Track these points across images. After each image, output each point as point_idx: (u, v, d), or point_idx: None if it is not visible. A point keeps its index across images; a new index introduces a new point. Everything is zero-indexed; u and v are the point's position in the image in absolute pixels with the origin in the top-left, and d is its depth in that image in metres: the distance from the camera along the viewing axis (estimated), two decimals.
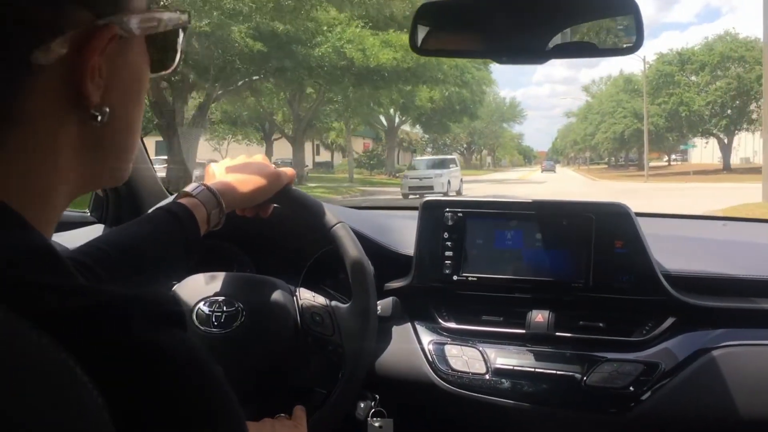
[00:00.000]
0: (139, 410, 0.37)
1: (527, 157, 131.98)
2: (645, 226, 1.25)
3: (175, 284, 1.19)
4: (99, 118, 0.47)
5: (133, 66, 0.52)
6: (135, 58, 0.52)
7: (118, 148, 0.53)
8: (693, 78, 40.44)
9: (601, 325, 1.24)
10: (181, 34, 0.58)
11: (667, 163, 61.06)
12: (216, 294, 1.12)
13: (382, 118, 37.69)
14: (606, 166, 72.50)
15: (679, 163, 63.79)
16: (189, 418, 0.40)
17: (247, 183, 1.07)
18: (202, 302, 1.11)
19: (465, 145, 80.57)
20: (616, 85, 54.15)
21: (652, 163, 53.33)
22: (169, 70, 0.60)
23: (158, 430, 0.38)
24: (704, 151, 57.92)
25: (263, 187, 1.08)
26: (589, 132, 59.34)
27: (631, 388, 1.14)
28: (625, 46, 1.00)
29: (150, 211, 0.99)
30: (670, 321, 1.22)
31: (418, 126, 41.63)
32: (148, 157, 1.51)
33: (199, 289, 1.14)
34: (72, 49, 0.44)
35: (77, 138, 0.48)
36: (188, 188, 1.02)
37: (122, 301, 0.39)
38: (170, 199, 1.05)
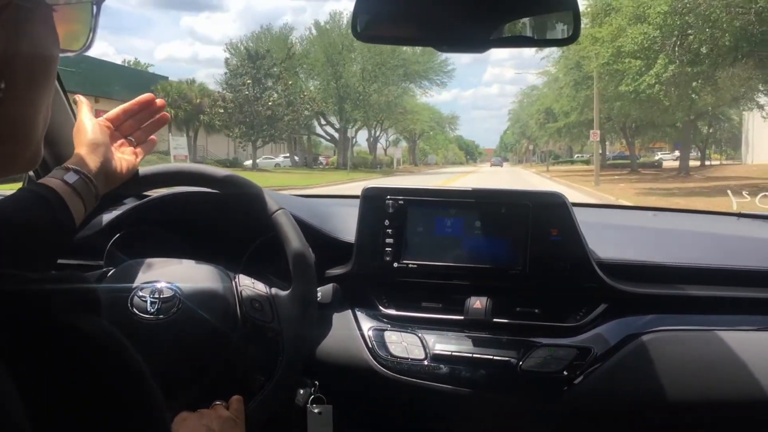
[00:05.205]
0: (56, 394, 0.36)
1: (470, 154, 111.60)
2: (580, 215, 1.28)
3: (111, 270, 1.16)
4: None
5: (35, 41, 0.46)
6: (38, 32, 0.46)
7: (17, 132, 0.47)
8: None
9: (536, 311, 1.27)
10: (94, 9, 0.52)
11: (699, 163, 32.86)
12: (153, 281, 1.10)
13: None
14: (586, 165, 44.69)
15: (717, 163, 32.42)
16: (111, 401, 0.39)
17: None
18: (140, 289, 1.09)
19: (336, 125, 44.23)
20: None
21: (666, 163, 32.60)
22: (79, 51, 0.53)
23: (75, 414, 0.37)
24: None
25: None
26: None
27: (565, 372, 1.17)
28: (561, 37, 1.03)
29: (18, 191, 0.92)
30: (602, 307, 1.26)
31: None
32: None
33: (136, 276, 1.12)
34: None
35: None
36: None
37: (41, 285, 0.38)
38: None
